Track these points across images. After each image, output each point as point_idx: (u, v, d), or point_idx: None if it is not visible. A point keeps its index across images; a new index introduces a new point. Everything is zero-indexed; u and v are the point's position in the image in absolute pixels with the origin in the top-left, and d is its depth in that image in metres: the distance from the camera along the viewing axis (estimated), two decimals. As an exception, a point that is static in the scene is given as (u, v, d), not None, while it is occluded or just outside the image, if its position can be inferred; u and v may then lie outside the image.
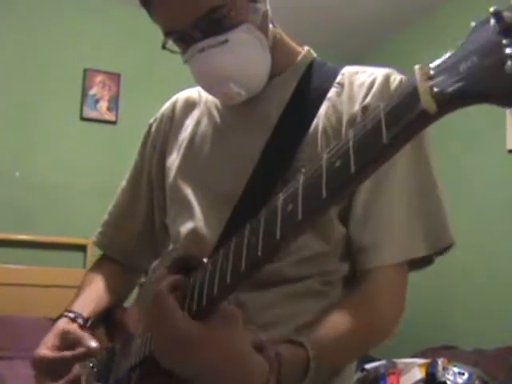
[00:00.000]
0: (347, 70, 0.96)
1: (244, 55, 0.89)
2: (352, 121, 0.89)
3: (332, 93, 0.93)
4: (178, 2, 0.85)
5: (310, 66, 0.98)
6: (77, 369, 0.93)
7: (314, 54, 1.02)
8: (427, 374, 2.52)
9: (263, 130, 0.93)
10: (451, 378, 2.45)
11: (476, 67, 0.39)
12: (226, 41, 0.87)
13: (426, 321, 3.45)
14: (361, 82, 0.92)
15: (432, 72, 0.42)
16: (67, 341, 0.93)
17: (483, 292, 3.18)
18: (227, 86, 0.90)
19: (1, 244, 3.43)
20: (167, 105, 1.14)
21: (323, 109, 0.91)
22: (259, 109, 0.96)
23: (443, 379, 2.46)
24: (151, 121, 1.15)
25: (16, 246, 3.48)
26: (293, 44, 1.02)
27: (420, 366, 2.66)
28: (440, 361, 2.52)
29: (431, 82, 0.42)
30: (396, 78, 0.90)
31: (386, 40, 4.25)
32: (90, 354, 0.90)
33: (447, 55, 0.43)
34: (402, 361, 2.80)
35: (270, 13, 0.94)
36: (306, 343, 0.74)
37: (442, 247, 0.87)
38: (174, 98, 1.13)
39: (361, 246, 0.86)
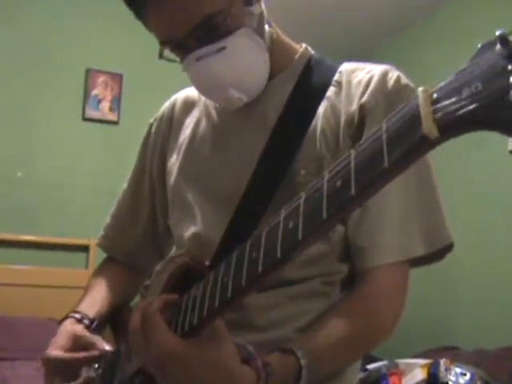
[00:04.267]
0: (345, 68, 0.94)
1: (242, 60, 0.88)
2: (350, 121, 0.88)
3: (330, 92, 0.92)
4: (171, 13, 0.83)
5: (308, 64, 0.97)
6: (86, 371, 0.94)
7: (312, 51, 1.01)
8: (429, 374, 2.52)
9: (262, 131, 0.92)
10: (453, 378, 2.45)
11: (479, 94, 0.38)
12: (224, 47, 0.85)
13: (428, 321, 3.45)
14: (358, 80, 0.91)
15: (435, 95, 0.41)
16: (78, 344, 0.94)
17: (485, 292, 3.17)
18: (227, 92, 0.89)
19: (3, 244, 3.44)
20: (166, 104, 1.12)
21: (322, 108, 0.90)
22: (258, 110, 0.95)
23: (445, 380, 2.46)
24: (151, 121, 1.14)
25: (18, 247, 3.48)
26: (290, 42, 1.00)
27: (422, 366, 2.66)
28: (442, 361, 2.51)
29: (434, 107, 0.41)
30: (393, 75, 0.89)
31: (385, 41, 4.25)
32: (102, 356, 0.92)
33: (451, 78, 0.42)
34: (404, 361, 2.80)
35: (265, 13, 0.92)
36: (297, 351, 0.74)
37: (440, 247, 0.86)
38: (173, 98, 1.12)
39: (358, 247, 0.86)
